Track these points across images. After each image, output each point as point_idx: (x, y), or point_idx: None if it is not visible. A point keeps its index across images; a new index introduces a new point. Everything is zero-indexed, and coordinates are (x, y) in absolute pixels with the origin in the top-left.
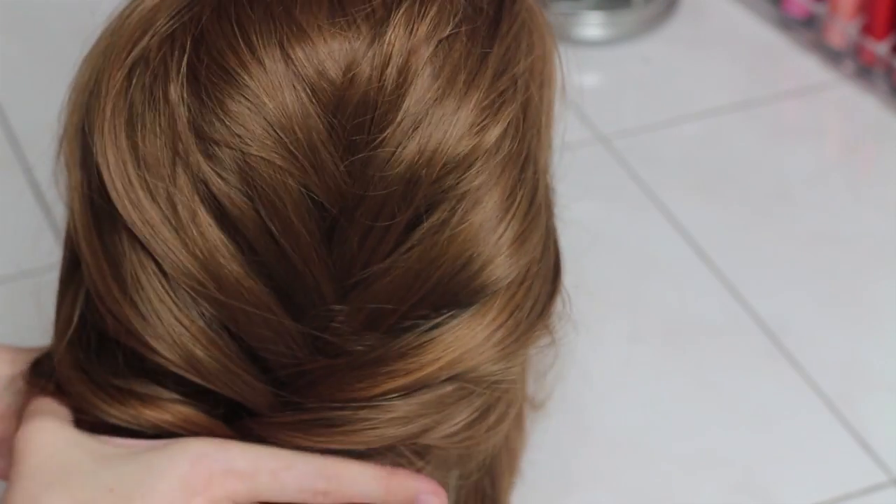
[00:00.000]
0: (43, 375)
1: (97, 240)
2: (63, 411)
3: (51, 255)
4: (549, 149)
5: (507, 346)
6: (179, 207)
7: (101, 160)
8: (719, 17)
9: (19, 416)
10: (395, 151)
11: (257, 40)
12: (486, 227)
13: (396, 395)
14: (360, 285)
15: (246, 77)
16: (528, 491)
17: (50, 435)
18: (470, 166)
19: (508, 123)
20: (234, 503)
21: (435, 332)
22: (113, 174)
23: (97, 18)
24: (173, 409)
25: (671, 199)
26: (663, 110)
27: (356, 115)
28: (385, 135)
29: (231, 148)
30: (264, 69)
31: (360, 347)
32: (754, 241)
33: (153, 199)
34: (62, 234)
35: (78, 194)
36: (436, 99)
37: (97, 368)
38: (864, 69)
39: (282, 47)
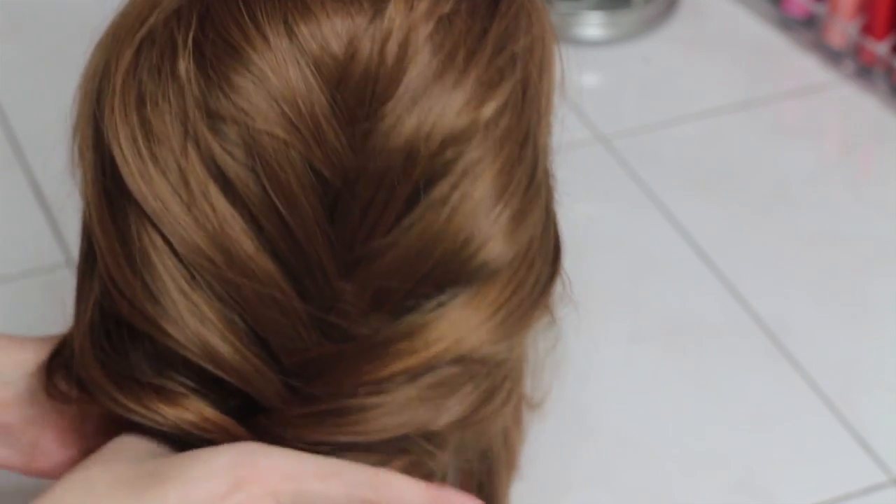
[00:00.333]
0: (61, 367)
1: (110, 222)
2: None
3: (51, 254)
4: (548, 134)
5: (511, 325)
6: (192, 182)
7: (111, 137)
8: (719, 17)
9: (25, 404)
10: (394, 125)
11: (262, 16)
12: (485, 203)
13: (404, 378)
14: (364, 262)
15: (251, 52)
16: (528, 490)
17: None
18: (468, 140)
19: (507, 99)
20: (278, 503)
21: (439, 311)
22: (124, 150)
23: (103, 14)
24: (192, 407)
25: (671, 198)
26: (663, 110)
27: (358, 89)
28: (385, 109)
29: (236, 122)
30: (269, 45)
31: (365, 331)
32: (754, 240)
33: (164, 174)
34: (62, 234)
35: (91, 177)
36: (435, 74)
37: (117, 363)
38: (864, 69)
39: (286, 23)
